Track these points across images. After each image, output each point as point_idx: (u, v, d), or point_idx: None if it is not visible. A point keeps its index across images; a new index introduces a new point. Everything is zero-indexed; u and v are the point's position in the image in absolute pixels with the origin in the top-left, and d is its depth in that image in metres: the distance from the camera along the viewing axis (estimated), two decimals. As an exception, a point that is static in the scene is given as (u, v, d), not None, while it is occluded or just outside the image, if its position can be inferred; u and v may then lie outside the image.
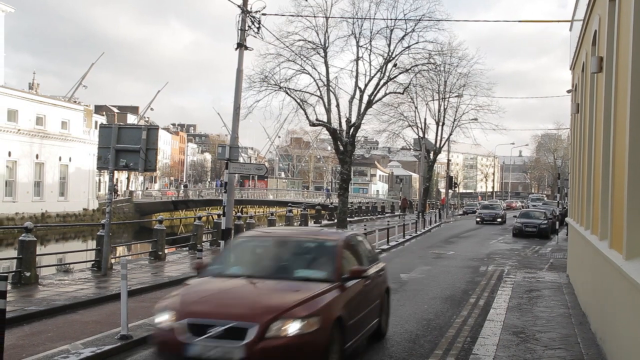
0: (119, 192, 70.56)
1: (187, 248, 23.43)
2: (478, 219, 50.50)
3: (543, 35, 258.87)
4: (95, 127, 62.00)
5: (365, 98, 33.87)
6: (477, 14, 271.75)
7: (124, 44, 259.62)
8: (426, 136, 55.31)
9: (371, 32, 34.14)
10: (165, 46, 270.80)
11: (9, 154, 48.32)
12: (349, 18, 33.42)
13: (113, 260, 17.95)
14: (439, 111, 54.29)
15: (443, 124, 54.84)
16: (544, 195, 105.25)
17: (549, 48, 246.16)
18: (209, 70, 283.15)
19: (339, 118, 33.55)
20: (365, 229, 26.33)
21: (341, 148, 33.53)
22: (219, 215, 24.70)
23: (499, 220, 49.77)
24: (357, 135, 35.30)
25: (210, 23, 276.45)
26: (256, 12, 24.71)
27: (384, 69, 33.91)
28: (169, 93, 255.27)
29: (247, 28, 24.31)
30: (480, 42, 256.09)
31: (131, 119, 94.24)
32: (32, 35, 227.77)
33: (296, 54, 32.29)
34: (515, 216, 41.93)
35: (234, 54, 24.43)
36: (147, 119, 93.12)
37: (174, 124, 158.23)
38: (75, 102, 66.88)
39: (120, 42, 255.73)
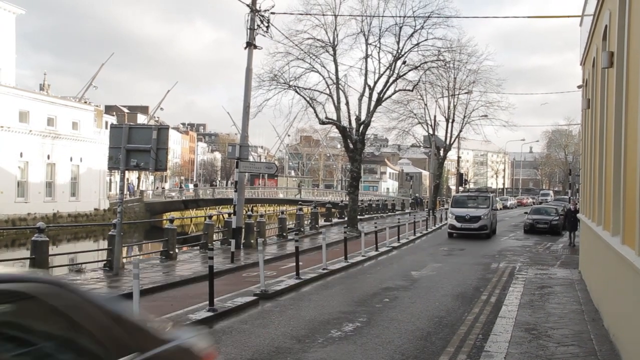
0: (127, 192, 70.66)
1: (198, 247, 23.44)
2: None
3: (570, 29, 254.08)
4: (106, 128, 62.28)
5: (375, 96, 33.82)
6: (505, 8, 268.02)
7: (145, 42, 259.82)
8: (436, 133, 55.18)
9: (380, 30, 34.08)
10: (186, 45, 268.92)
11: (21, 154, 48.61)
12: (358, 16, 33.42)
13: (124, 260, 18.03)
14: (448, 108, 54.09)
15: (453, 120, 54.60)
16: (553, 191, 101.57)
17: (575, 42, 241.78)
18: (227, 69, 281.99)
19: (349, 116, 33.55)
20: (375, 227, 26.29)
21: (351, 146, 33.52)
22: (229, 214, 24.74)
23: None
24: (366, 132, 35.26)
25: (233, 21, 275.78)
26: (265, 11, 24.78)
27: (393, 67, 33.83)
28: (186, 92, 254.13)
29: (256, 27, 24.38)
30: (504, 36, 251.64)
31: (141, 118, 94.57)
32: (53, 36, 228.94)
33: (305, 53, 32.29)
34: (526, 212, 41.65)
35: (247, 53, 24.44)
36: (157, 119, 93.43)
37: (183, 124, 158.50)
38: (85, 102, 67.16)
39: (141, 41, 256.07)
